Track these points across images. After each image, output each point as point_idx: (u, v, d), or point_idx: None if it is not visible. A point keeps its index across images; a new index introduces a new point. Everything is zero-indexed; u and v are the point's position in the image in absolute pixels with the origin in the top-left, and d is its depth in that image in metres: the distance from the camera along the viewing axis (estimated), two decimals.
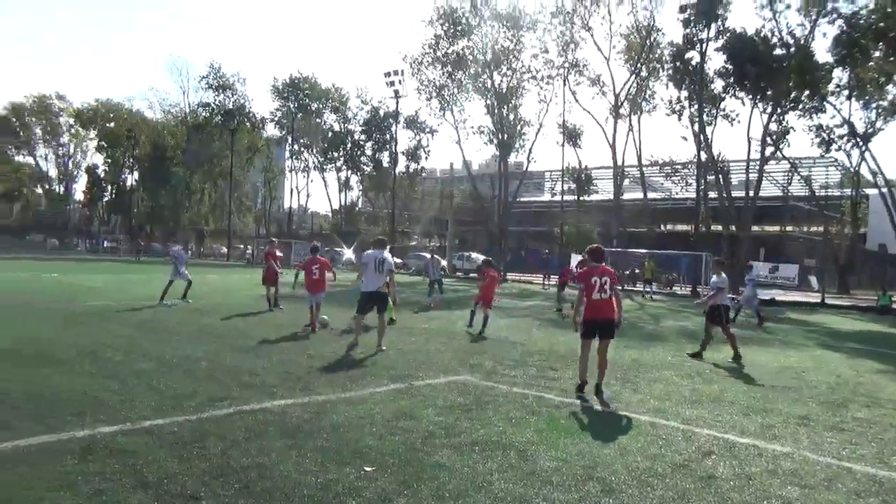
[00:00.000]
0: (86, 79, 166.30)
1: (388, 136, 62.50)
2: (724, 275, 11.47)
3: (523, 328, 14.40)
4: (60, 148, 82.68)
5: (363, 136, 65.87)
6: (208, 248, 71.29)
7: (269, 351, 9.65)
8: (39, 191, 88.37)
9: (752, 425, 6.64)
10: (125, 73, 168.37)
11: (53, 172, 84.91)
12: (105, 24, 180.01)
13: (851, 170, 43.48)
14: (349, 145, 66.41)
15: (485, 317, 13.39)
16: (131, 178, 77.58)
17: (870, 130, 39.57)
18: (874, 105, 39.18)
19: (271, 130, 73.22)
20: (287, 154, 73.96)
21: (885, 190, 39.66)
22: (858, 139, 39.39)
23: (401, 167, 59.95)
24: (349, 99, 68.23)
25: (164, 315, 13.53)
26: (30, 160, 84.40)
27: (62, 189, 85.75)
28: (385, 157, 64.47)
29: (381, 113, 63.29)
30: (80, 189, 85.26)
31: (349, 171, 69.48)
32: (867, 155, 40.14)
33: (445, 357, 9.85)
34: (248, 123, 69.22)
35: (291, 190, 73.91)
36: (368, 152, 66.13)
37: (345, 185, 71.71)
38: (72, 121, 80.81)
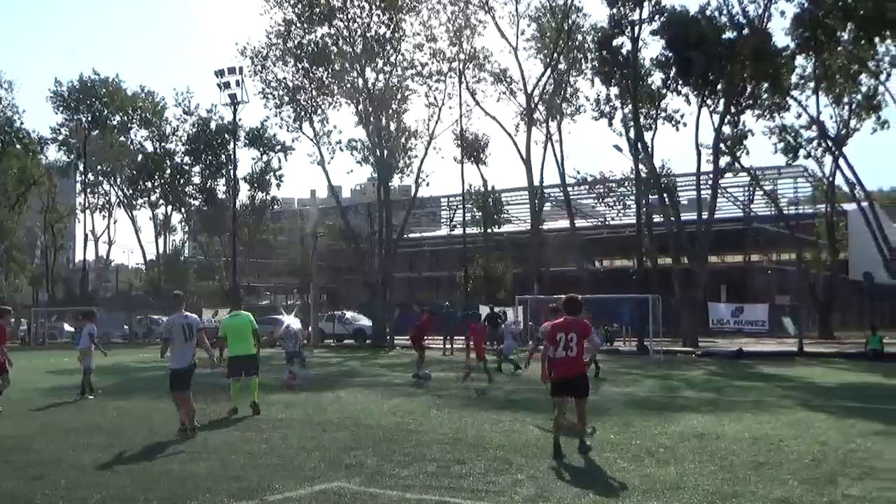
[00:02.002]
0: None
1: (223, 157, 61.77)
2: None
3: (418, 410, 14.43)
4: None
5: (188, 159, 64.80)
6: None
7: (46, 466, 9.18)
8: None
9: None
10: None
11: None
12: None
13: (825, 181, 46.90)
14: (168, 171, 65.07)
15: (482, 365, 19.70)
16: None
17: (843, 131, 43.12)
18: (846, 100, 42.77)
19: (54, 155, 70.78)
20: (78, 187, 71.51)
21: (865, 205, 43.00)
22: (830, 143, 42.73)
23: (243, 198, 59.22)
24: (166, 108, 67.15)
25: None
26: None
27: None
28: (220, 186, 63.60)
29: (213, 126, 62.56)
30: None
31: (170, 207, 67.99)
32: (842, 162, 43.60)
33: (312, 457, 9.72)
34: (18, 145, 66.46)
35: (86, 236, 71.40)
36: (196, 180, 65.03)
37: (164, 227, 70.02)
38: None
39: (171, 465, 9.45)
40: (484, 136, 51.31)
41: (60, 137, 68.01)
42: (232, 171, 55.97)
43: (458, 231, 51.69)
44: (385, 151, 46.96)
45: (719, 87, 38.63)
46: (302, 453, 10.02)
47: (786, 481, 8.28)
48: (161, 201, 67.79)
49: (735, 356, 29.27)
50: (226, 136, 59.45)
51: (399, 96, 47.62)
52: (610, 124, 42.89)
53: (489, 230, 53.00)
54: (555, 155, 49.41)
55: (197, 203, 65.78)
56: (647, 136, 40.62)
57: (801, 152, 43.76)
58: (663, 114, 41.42)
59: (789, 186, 51.95)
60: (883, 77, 41.12)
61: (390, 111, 47.39)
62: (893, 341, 32.29)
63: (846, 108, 43.05)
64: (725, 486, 8.03)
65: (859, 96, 42.41)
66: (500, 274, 49.78)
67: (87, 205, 70.14)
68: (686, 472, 8.78)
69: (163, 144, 66.84)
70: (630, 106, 40.15)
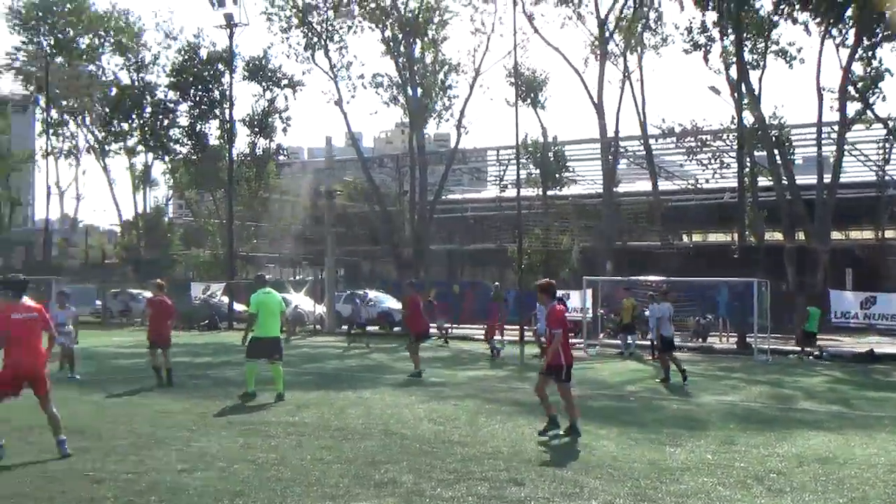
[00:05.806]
0: None
1: (216, 93, 61.87)
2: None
3: (463, 417, 14.42)
4: None
5: (173, 95, 64.93)
6: None
7: (6, 473, 9.34)
8: None
9: None
10: None
11: None
12: None
13: None
14: (149, 109, 65.27)
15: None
16: None
17: None
18: None
19: (9, 86, 71.39)
20: (38, 127, 72.06)
21: None
22: None
23: (241, 146, 59.24)
24: (145, 30, 67.22)
25: None
26: None
27: None
28: (213, 130, 63.79)
29: (204, 55, 62.61)
30: None
31: (150, 155, 68.19)
32: None
33: (332, 471, 9.79)
34: None
35: (48, 189, 72.03)
36: (183, 121, 65.18)
37: (144, 180, 70.36)
38: None
39: (161, 475, 9.52)
40: (544, 73, 50.77)
41: (16, 63, 68.31)
42: (228, 111, 55.82)
43: (510, 193, 51.25)
44: (419, 89, 46.75)
45: (848, 12, 37.87)
46: (320, 465, 10.08)
47: None
48: (140, 147, 67.82)
49: (865, 359, 28.98)
50: (220, 66, 59.31)
51: (437, 20, 47.34)
52: (705, 60, 42.15)
53: (549, 192, 52.52)
54: (634, 99, 48.77)
55: (184, 151, 65.84)
56: (754, 75, 39.76)
57: None
58: (774, 47, 40.72)
59: None
60: None
61: (426, 39, 47.16)
62: None
63: None
64: None
65: None
66: (563, 248, 49.51)
67: (49, 150, 70.66)
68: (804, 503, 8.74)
69: (141, 76, 66.72)
70: (732, 36, 39.38)
